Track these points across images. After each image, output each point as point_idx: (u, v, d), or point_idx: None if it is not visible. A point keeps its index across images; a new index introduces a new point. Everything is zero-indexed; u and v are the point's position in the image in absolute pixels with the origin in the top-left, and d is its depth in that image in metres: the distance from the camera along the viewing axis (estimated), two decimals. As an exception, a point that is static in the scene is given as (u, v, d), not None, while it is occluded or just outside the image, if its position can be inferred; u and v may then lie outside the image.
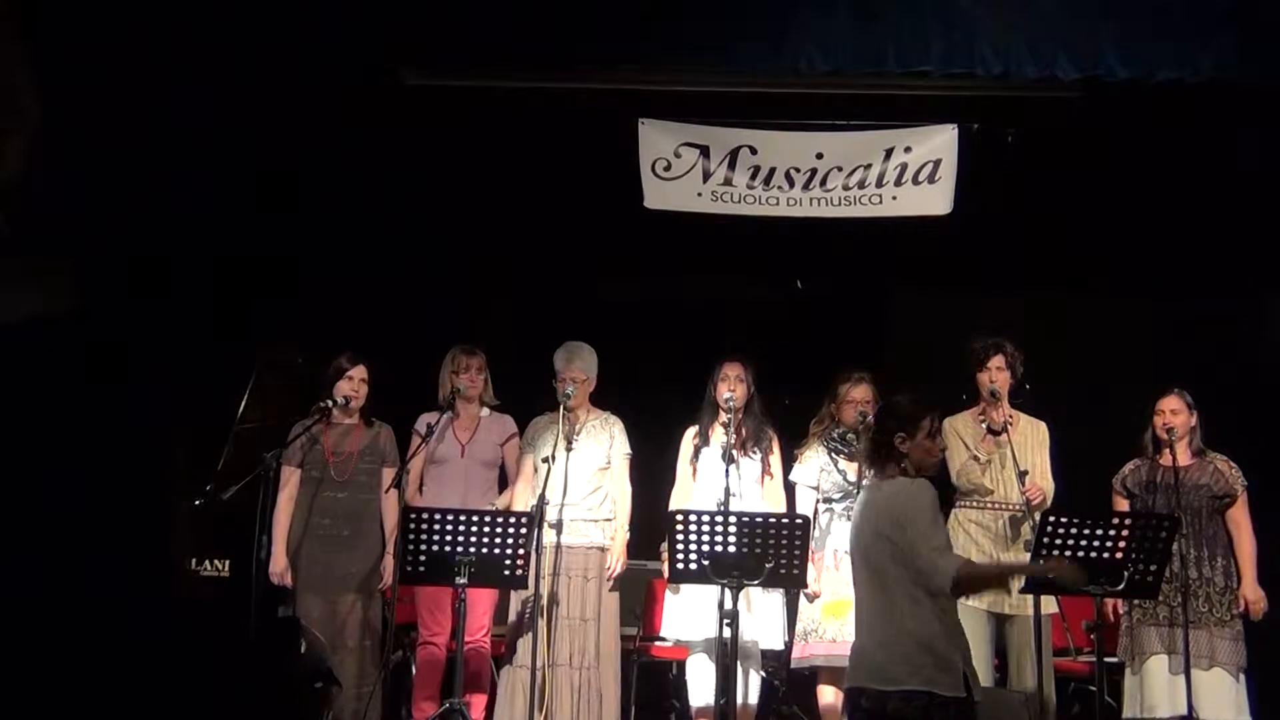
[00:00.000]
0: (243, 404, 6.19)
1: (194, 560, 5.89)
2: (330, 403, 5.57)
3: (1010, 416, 5.41)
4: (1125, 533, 4.47)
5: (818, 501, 5.52)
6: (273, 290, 6.77)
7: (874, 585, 3.96)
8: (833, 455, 5.56)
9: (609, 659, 5.49)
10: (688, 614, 5.44)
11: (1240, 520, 5.39)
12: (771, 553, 4.55)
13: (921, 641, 3.86)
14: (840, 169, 6.12)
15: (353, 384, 5.63)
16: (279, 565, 5.44)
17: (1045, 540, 4.45)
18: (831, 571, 5.37)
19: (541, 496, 5.37)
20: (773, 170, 6.14)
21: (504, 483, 5.82)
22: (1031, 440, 5.43)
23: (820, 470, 5.55)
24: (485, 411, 5.82)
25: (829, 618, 5.34)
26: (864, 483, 4.19)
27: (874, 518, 3.99)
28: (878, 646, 3.91)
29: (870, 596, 3.98)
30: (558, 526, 5.42)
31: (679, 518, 4.62)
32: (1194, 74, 5.36)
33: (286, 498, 5.54)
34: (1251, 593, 5.30)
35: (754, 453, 5.60)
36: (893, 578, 3.91)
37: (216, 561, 5.88)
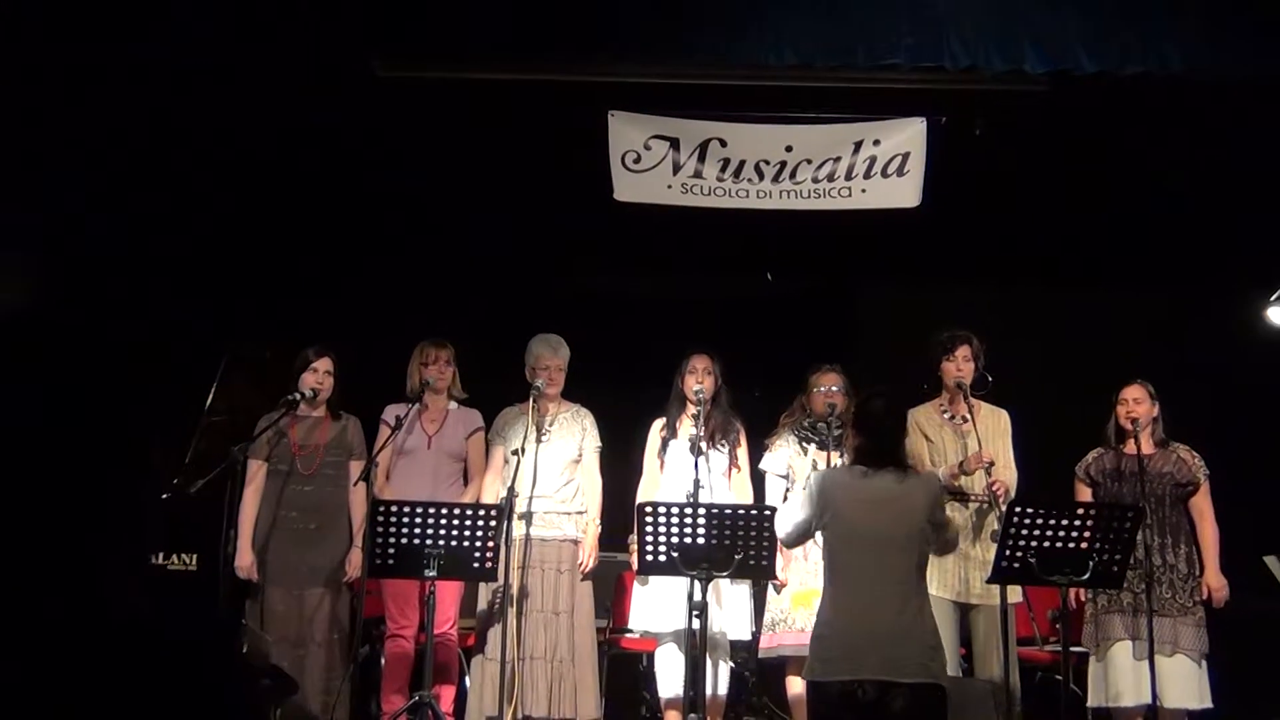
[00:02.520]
0: (210, 397, 6.16)
1: (162, 554, 5.88)
2: (297, 396, 5.54)
3: (972, 406, 5.44)
4: (1090, 523, 4.51)
5: (787, 490, 5.54)
6: (241, 283, 6.74)
7: (893, 577, 3.98)
8: (803, 444, 5.58)
9: (585, 653, 5.48)
10: (656, 605, 5.44)
11: (1203, 508, 5.46)
12: (740, 544, 4.56)
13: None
14: (810, 162, 6.14)
15: (318, 376, 5.61)
16: (245, 560, 5.41)
17: (1012, 531, 4.49)
18: (800, 561, 5.39)
19: (511, 489, 5.37)
20: (742, 163, 6.16)
21: (466, 477, 5.80)
22: (993, 429, 5.46)
23: (790, 459, 5.57)
24: (452, 404, 5.80)
25: (798, 607, 5.36)
26: (863, 472, 4.16)
27: (910, 512, 4.04)
28: (891, 639, 3.90)
29: (884, 588, 3.97)
30: (527, 518, 5.42)
31: (648, 510, 4.63)
32: (1162, 68, 5.40)
33: (253, 491, 5.51)
34: (1215, 580, 5.37)
35: (722, 445, 5.61)
36: (919, 571, 4.04)
37: (184, 556, 5.86)
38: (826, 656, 3.97)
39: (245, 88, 5.82)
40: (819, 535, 4.22)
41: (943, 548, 4.28)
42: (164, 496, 5.46)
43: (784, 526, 4.39)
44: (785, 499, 5.49)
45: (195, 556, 5.88)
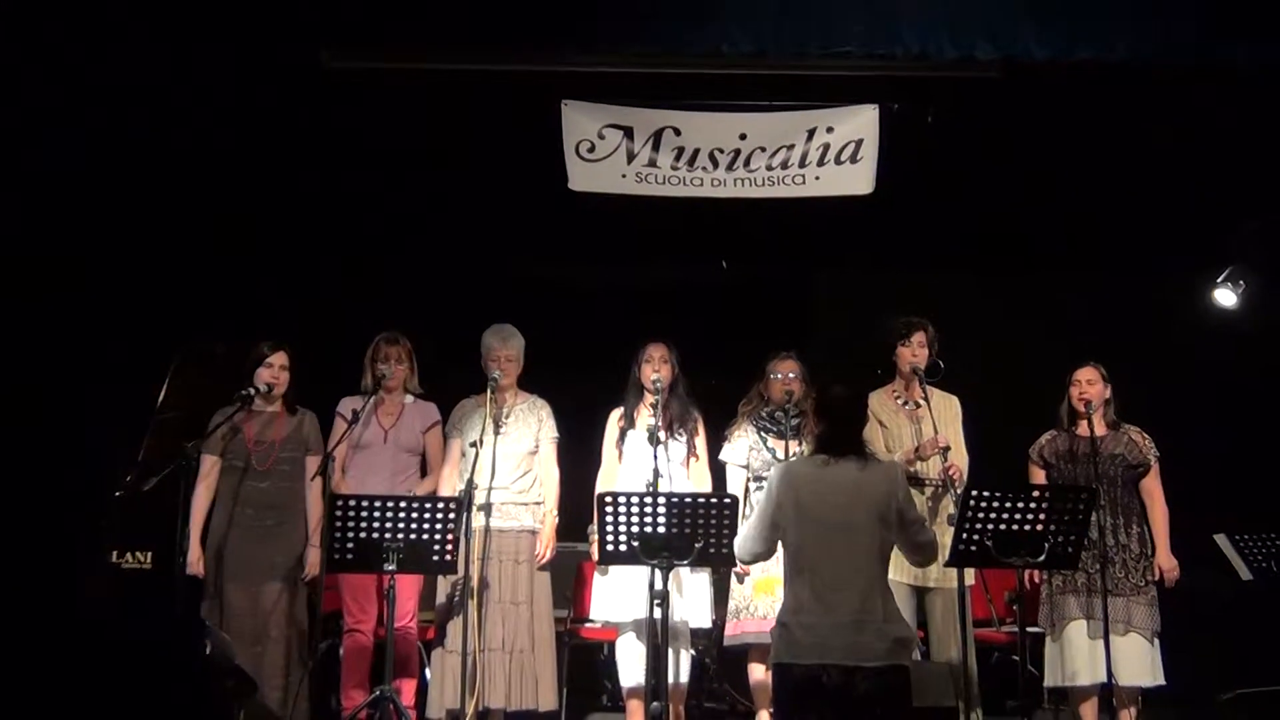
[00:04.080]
0: (162, 393, 6.09)
1: (116, 552, 5.81)
2: (251, 390, 5.49)
3: (927, 392, 5.48)
4: (1045, 505, 4.56)
5: (748, 480, 5.57)
6: (195, 280, 6.65)
7: (856, 564, 4.00)
8: (762, 434, 5.61)
9: (544, 643, 5.49)
10: (616, 595, 5.45)
11: (1153, 490, 5.55)
12: (701, 532, 4.56)
13: (897, 617, 4.04)
14: (763, 149, 6.15)
15: (273, 371, 5.56)
16: (194, 556, 5.36)
17: (968, 514, 4.53)
18: (761, 550, 5.41)
19: (470, 481, 5.35)
20: (696, 151, 6.16)
21: (423, 470, 5.77)
22: (945, 415, 5.51)
23: (750, 449, 5.59)
24: (409, 398, 5.76)
25: (761, 595, 5.39)
26: (823, 461, 4.17)
27: (871, 498, 4.06)
28: (855, 626, 3.94)
29: (848, 576, 3.99)
30: (486, 510, 5.40)
31: (608, 500, 4.62)
32: (1109, 54, 5.46)
33: (205, 488, 5.46)
34: (1166, 561, 5.46)
35: (679, 434, 5.62)
36: (881, 557, 4.06)
37: (138, 554, 5.80)
38: (791, 641, 4.00)
39: (191, 79, 5.74)
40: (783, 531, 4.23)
41: (916, 553, 4.24)
42: (117, 494, 5.39)
43: (742, 546, 4.34)
44: (746, 489, 5.51)
45: (150, 554, 5.83)
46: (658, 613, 4.60)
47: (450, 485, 5.57)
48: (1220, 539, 5.69)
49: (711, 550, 4.59)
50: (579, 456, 5.88)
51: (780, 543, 4.21)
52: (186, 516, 5.27)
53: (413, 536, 4.88)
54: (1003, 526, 4.52)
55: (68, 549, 5.68)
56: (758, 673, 5.47)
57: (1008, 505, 4.52)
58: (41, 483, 5.75)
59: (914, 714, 4.10)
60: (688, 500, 4.68)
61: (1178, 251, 6.98)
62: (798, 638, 3.99)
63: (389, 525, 4.86)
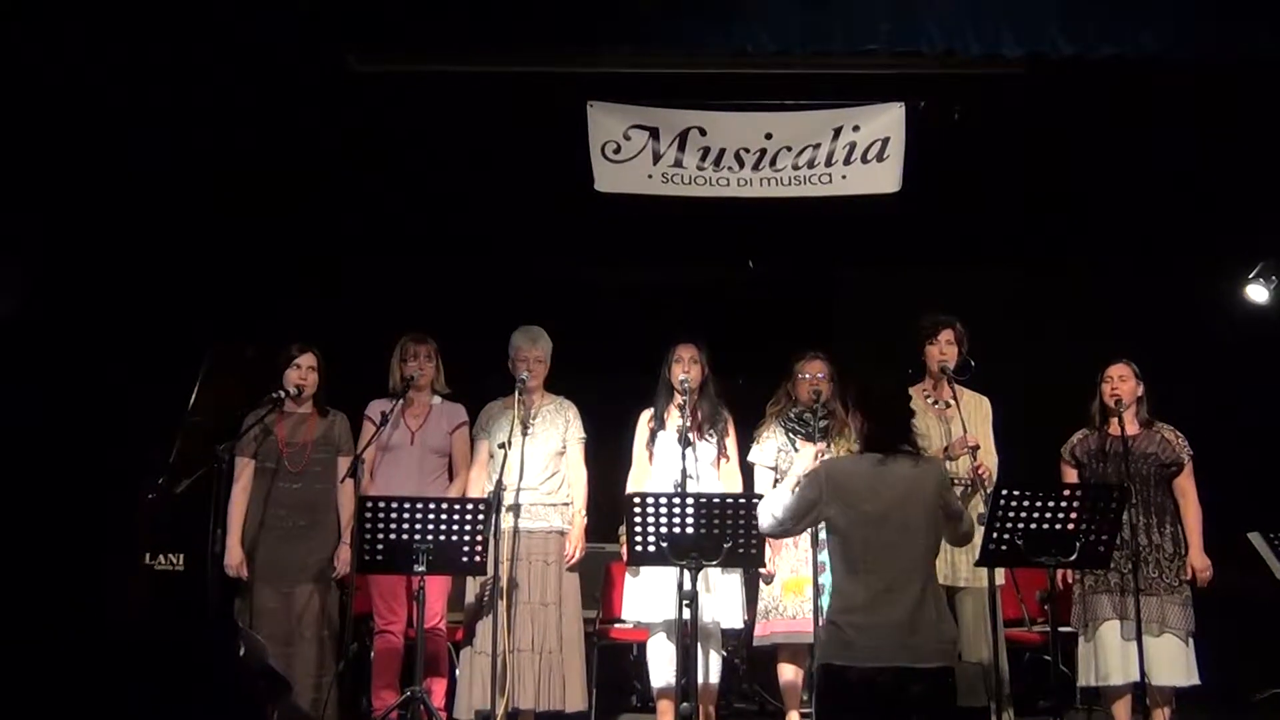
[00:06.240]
0: (193, 396, 6.14)
1: (149, 554, 5.85)
2: (282, 393, 5.52)
3: (956, 391, 5.46)
4: (1076, 504, 4.53)
5: (776, 481, 5.55)
6: (226, 283, 6.70)
7: (911, 564, 3.96)
8: (790, 435, 5.59)
9: (573, 644, 5.49)
10: (647, 596, 5.45)
11: (1187, 489, 5.50)
12: (729, 533, 4.56)
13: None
14: (789, 149, 6.14)
15: (301, 372, 5.59)
16: (234, 558, 5.40)
17: (999, 513, 4.51)
18: (791, 549, 5.41)
19: (499, 482, 5.36)
20: (722, 151, 6.15)
21: (451, 472, 5.78)
22: (975, 415, 5.48)
23: (778, 451, 5.57)
24: (436, 399, 5.79)
25: (789, 595, 5.37)
26: (878, 460, 4.09)
27: (925, 497, 4.02)
28: (910, 626, 3.89)
29: (902, 575, 3.94)
30: (515, 511, 5.42)
31: (636, 500, 4.63)
32: (1135, 50, 5.42)
33: (240, 489, 5.49)
34: (1198, 561, 5.41)
35: (710, 435, 5.61)
36: (932, 554, 4.06)
37: (171, 555, 5.84)
38: (845, 642, 3.94)
39: (216, 81, 5.78)
40: (822, 525, 4.20)
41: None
42: (149, 496, 5.44)
43: (767, 516, 4.27)
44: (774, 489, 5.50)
45: (182, 556, 5.87)
46: (686, 613, 4.60)
47: (479, 487, 5.59)
48: (1254, 537, 5.63)
49: (740, 551, 4.59)
50: (608, 458, 5.88)
51: (833, 541, 4.12)
52: (219, 518, 5.31)
53: (442, 538, 4.91)
54: (1034, 526, 4.49)
55: (101, 551, 5.73)
56: (787, 673, 5.46)
57: (1039, 504, 4.49)
58: (74, 485, 5.81)
59: (952, 714, 4.09)
60: (716, 501, 4.67)
61: (1208, 247, 6.92)
62: (852, 639, 3.92)
63: (418, 527, 4.89)
